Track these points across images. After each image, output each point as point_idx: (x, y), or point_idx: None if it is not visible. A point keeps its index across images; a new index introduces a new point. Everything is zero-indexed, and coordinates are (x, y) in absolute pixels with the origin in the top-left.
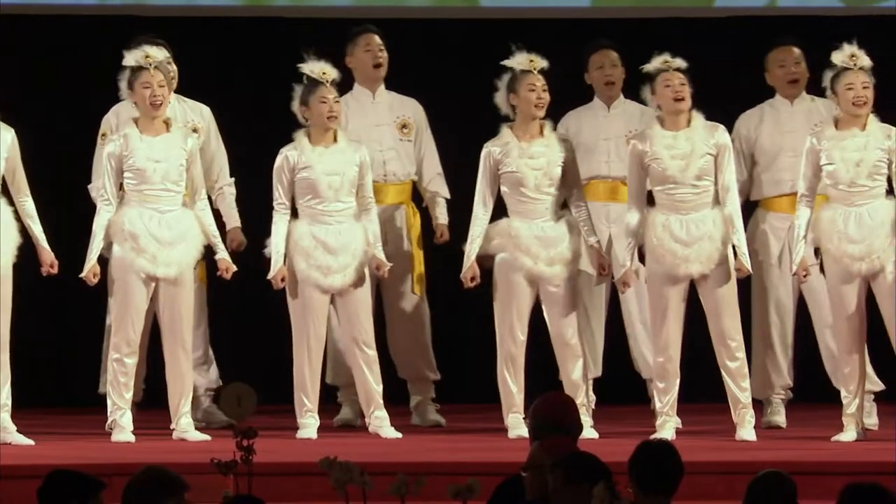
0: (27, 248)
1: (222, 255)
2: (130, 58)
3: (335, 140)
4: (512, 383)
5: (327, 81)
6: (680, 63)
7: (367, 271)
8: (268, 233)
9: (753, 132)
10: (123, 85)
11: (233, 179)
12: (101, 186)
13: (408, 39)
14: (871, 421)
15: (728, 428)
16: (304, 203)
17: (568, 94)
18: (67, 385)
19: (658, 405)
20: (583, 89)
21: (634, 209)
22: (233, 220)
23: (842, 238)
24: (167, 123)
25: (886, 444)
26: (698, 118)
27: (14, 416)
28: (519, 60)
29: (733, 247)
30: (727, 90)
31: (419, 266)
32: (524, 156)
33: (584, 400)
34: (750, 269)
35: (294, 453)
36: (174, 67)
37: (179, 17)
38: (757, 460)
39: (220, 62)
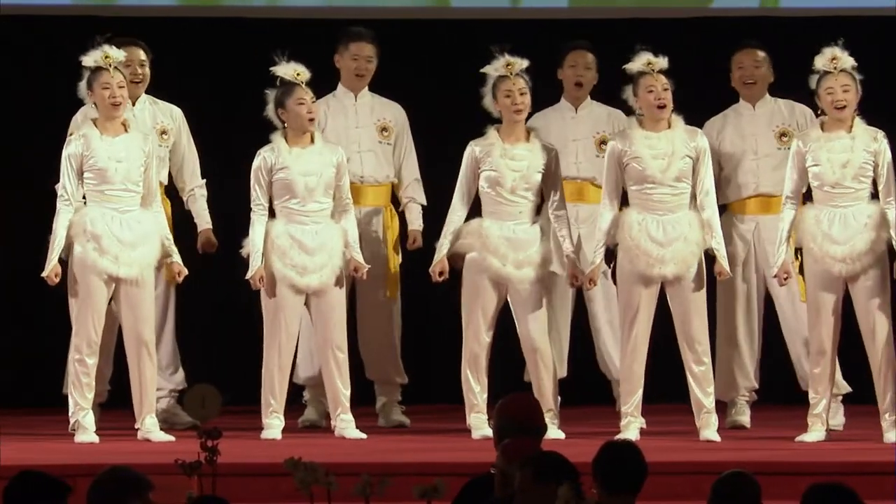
0: None
1: (175, 258)
2: (90, 58)
3: (312, 142)
4: (475, 383)
5: (302, 83)
6: (662, 64)
7: (343, 273)
8: (238, 235)
9: (716, 138)
10: (83, 85)
11: (204, 181)
12: (61, 186)
13: (392, 41)
14: (837, 422)
15: (692, 429)
16: (281, 203)
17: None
18: (31, 385)
19: (623, 406)
20: (555, 89)
21: (608, 208)
22: (204, 221)
23: (824, 239)
24: (125, 125)
25: (851, 445)
26: (678, 121)
27: None
28: (495, 66)
29: (711, 251)
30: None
31: (394, 269)
32: (506, 157)
33: (552, 403)
34: (730, 271)
35: (259, 454)
36: (147, 69)
37: (154, 17)
38: (721, 460)
39: (194, 63)
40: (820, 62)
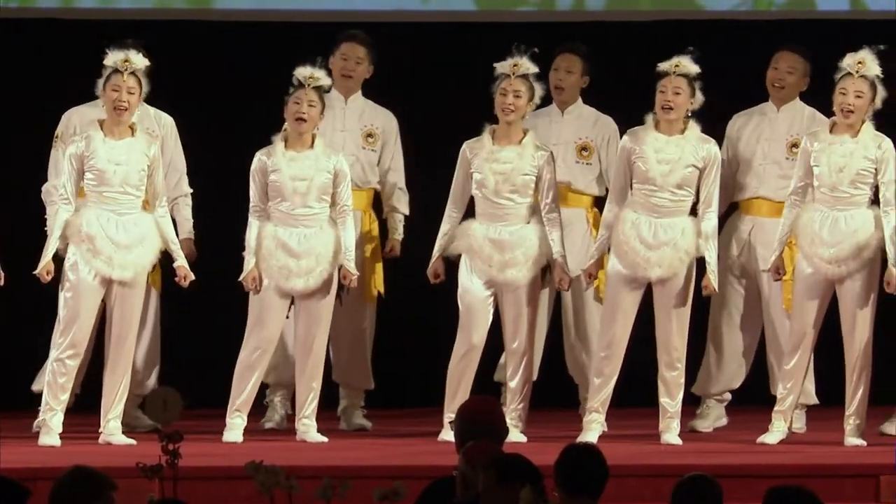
0: None
1: (181, 262)
2: (111, 58)
3: (312, 145)
4: (462, 381)
5: (309, 85)
6: (687, 67)
7: (334, 280)
8: (217, 241)
9: (735, 134)
10: (101, 83)
11: (191, 191)
12: (61, 185)
13: (392, 45)
14: (799, 425)
15: (654, 432)
16: (274, 206)
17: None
18: None
19: (591, 400)
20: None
21: (614, 204)
22: (185, 231)
23: (815, 239)
24: (132, 128)
25: (811, 447)
26: (694, 128)
27: None
28: (504, 64)
29: (702, 260)
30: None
31: (373, 275)
32: (491, 159)
33: (517, 407)
34: (717, 288)
35: (220, 457)
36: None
37: (149, 20)
38: (682, 463)
39: (194, 68)
40: (846, 62)
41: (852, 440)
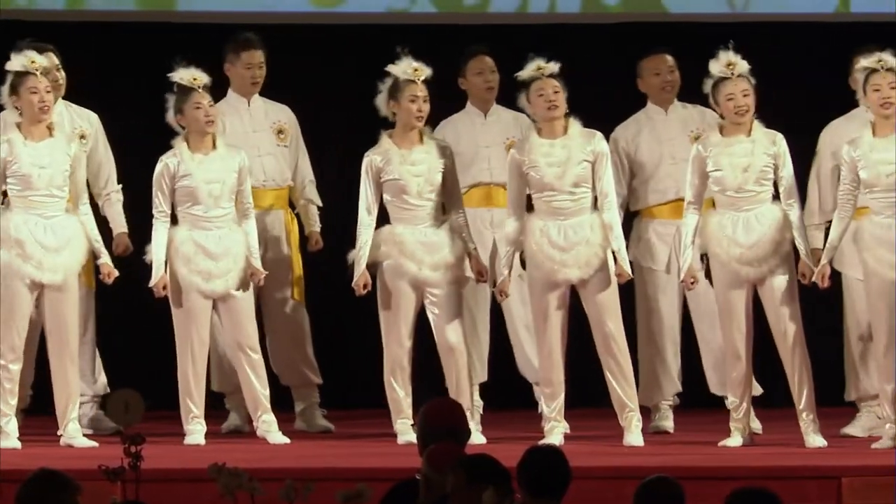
0: None
1: (105, 259)
2: (16, 62)
3: (214, 146)
4: (399, 389)
5: (199, 87)
6: (553, 68)
7: (248, 276)
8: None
9: (632, 143)
10: (5, 89)
11: (120, 186)
12: None
13: (285, 44)
14: (755, 425)
15: (616, 433)
16: (185, 210)
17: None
18: None
19: (546, 410)
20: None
21: (513, 217)
22: (119, 225)
23: (730, 243)
24: (50, 128)
25: (773, 449)
26: (575, 125)
27: None
28: (403, 68)
29: (613, 252)
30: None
31: (298, 271)
32: (405, 163)
33: (470, 405)
34: (630, 273)
35: (182, 459)
36: (62, 73)
37: (69, 21)
38: (645, 465)
39: (108, 68)
40: (716, 68)
41: (814, 439)
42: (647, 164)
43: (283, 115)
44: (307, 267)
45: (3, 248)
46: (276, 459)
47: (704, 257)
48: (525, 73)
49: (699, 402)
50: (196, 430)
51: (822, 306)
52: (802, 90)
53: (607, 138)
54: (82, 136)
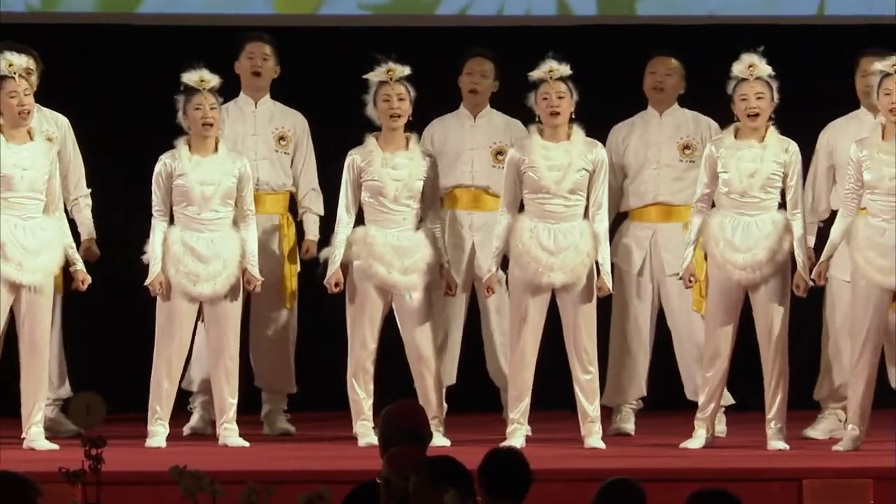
0: None
1: (78, 266)
2: None
3: (216, 149)
4: (360, 391)
5: (204, 88)
6: (563, 72)
7: (240, 283)
8: (124, 244)
9: (621, 144)
10: None
11: (89, 191)
12: None
13: (290, 49)
14: (720, 429)
15: (577, 436)
16: (180, 210)
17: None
18: None
19: (511, 412)
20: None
21: (506, 214)
22: (87, 231)
23: (726, 246)
24: (30, 132)
25: (734, 451)
26: (578, 132)
27: None
28: (376, 72)
29: (597, 263)
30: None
31: (290, 279)
32: (387, 165)
33: (439, 412)
34: (611, 288)
35: (143, 462)
36: (35, 79)
37: (43, 24)
38: (606, 467)
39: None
40: (737, 68)
41: (775, 443)
42: (633, 166)
43: (290, 121)
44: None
45: None
46: (237, 462)
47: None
48: (535, 74)
49: (660, 404)
50: (158, 432)
51: (800, 306)
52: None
53: (603, 141)
54: (49, 140)
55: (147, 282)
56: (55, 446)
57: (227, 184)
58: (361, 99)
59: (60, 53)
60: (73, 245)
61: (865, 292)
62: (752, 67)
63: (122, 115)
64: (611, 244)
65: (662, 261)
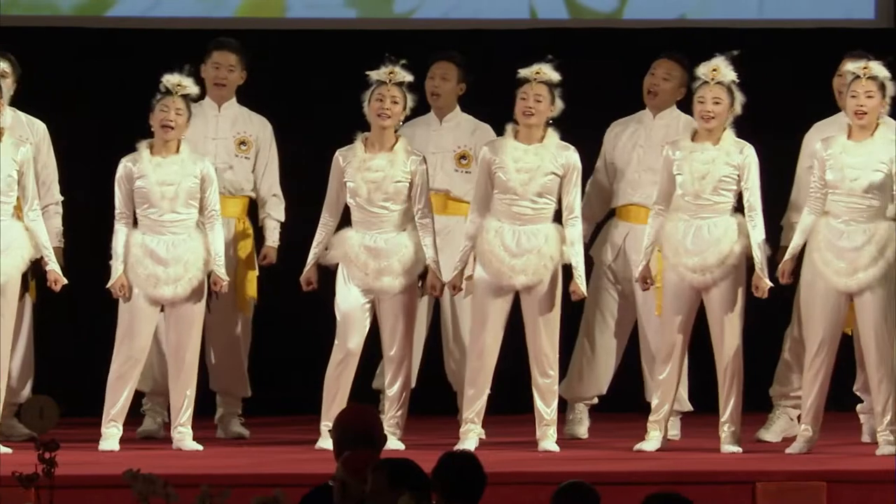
0: None
1: (53, 266)
2: None
3: (178, 151)
4: (339, 389)
5: (177, 93)
6: (548, 75)
7: (203, 286)
8: (87, 248)
9: (611, 143)
10: None
11: (62, 199)
12: None
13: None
14: (674, 432)
15: (531, 439)
16: (142, 212)
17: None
18: None
19: (465, 411)
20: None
21: (476, 215)
22: (55, 239)
23: (679, 248)
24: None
25: (688, 455)
26: (553, 136)
27: None
28: (379, 72)
29: (569, 266)
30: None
31: (248, 284)
32: (363, 168)
33: (395, 414)
34: (585, 292)
35: (97, 465)
36: (11, 82)
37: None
38: (560, 471)
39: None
40: (701, 71)
41: (729, 447)
42: (618, 165)
43: (253, 127)
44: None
45: None
46: (191, 465)
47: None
48: (522, 73)
49: (616, 405)
50: (112, 434)
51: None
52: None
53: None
54: (19, 140)
55: (109, 284)
56: (8, 450)
57: (187, 185)
58: (347, 100)
59: (44, 58)
60: (49, 245)
61: (823, 294)
62: (715, 71)
63: (96, 118)
64: (597, 239)
65: (631, 262)
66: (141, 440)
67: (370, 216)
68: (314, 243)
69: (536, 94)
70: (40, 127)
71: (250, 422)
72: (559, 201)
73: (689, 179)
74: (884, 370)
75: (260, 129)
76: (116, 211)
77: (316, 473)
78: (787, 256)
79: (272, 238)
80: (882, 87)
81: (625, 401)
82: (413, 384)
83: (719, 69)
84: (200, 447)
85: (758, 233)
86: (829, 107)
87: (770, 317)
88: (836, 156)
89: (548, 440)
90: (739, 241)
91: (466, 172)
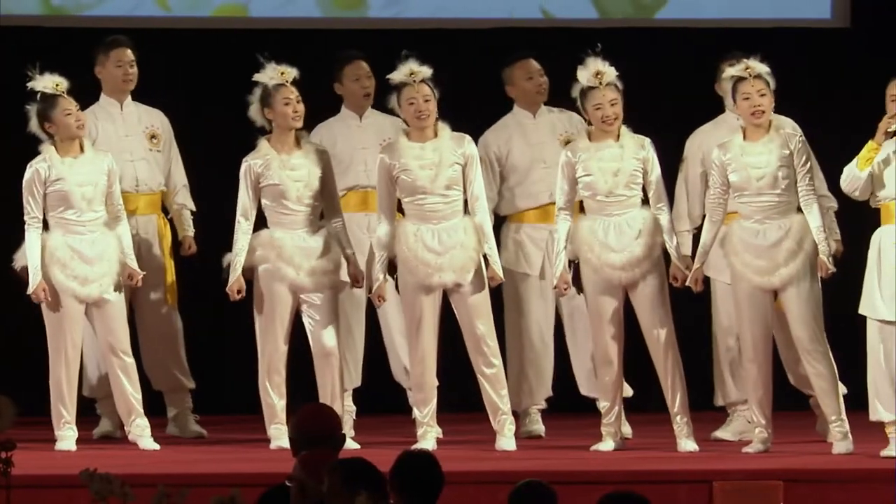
0: None
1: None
2: None
3: (82, 150)
4: (273, 394)
5: (62, 93)
6: (425, 73)
7: (121, 280)
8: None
9: (503, 147)
10: None
11: None
12: None
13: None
14: (626, 430)
15: (488, 438)
16: (57, 215)
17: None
18: None
19: (419, 415)
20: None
21: (385, 221)
22: None
23: (601, 248)
24: None
25: (645, 454)
26: (445, 129)
27: None
28: (270, 74)
29: (485, 255)
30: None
31: (171, 276)
32: (285, 168)
33: (342, 410)
34: (503, 277)
35: (54, 465)
36: None
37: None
38: (517, 469)
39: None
40: (584, 76)
41: (686, 444)
42: (519, 168)
43: (157, 120)
44: (181, 271)
45: None
46: (148, 465)
47: (572, 264)
48: (396, 77)
49: (571, 405)
50: (67, 436)
51: (691, 311)
52: (667, 95)
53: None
54: None
55: (30, 290)
56: None
57: (102, 182)
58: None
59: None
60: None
61: (747, 296)
62: (599, 75)
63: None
64: (499, 246)
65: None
66: (98, 440)
67: (295, 215)
68: (235, 250)
69: (425, 95)
70: None
71: (207, 420)
72: (464, 191)
73: (600, 178)
74: (823, 363)
75: (162, 121)
76: (29, 216)
77: (273, 473)
78: (696, 264)
79: (189, 227)
80: (768, 83)
81: (573, 399)
82: (359, 383)
83: (603, 71)
84: (158, 446)
85: (668, 223)
86: (792, 105)
87: (696, 310)
88: (737, 158)
89: (506, 437)
90: (658, 233)
91: None
